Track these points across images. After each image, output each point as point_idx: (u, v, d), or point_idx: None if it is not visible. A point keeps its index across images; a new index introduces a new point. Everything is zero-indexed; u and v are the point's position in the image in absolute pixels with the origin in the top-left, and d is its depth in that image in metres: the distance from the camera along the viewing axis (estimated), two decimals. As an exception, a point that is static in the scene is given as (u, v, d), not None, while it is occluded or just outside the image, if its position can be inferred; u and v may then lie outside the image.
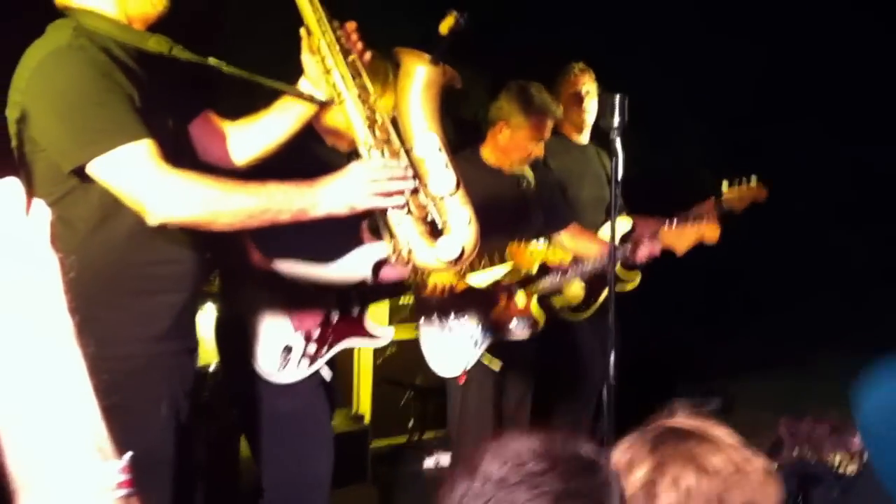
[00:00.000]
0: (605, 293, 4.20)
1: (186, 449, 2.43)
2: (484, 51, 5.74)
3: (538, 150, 3.96)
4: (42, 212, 0.91)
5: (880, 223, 7.77)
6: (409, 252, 2.28)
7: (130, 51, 2.26)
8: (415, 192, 2.29)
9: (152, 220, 2.13)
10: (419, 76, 2.37)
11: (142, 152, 2.12)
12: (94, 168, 2.13)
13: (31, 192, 2.00)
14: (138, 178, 2.13)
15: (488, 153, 4.01)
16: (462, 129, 5.51)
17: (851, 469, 4.00)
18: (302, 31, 2.39)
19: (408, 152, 2.31)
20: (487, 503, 1.19)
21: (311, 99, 2.47)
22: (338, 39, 2.36)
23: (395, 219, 2.29)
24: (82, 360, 0.90)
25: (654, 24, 6.66)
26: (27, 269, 0.88)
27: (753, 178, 4.27)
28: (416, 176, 2.29)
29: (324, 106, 2.49)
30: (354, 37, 2.42)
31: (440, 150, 2.32)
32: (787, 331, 7.21)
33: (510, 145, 3.92)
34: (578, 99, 4.52)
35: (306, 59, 2.43)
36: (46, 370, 0.87)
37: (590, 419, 4.47)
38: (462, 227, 2.30)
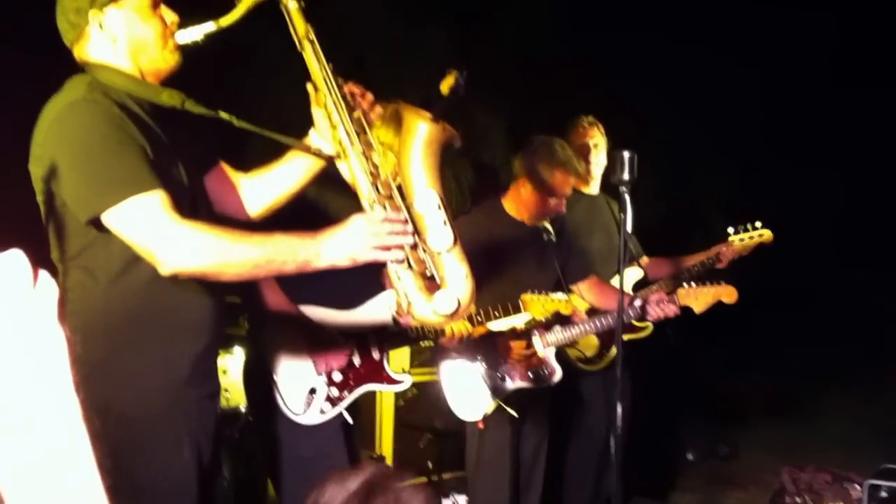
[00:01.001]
0: None
1: (209, 491, 2.47)
2: (500, 99, 5.92)
3: (560, 206, 4.02)
4: (48, 285, 0.87)
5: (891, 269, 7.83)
6: (409, 305, 2.34)
7: (144, 104, 2.32)
8: (414, 246, 2.33)
9: (164, 270, 2.17)
10: (420, 133, 2.42)
11: (154, 203, 2.16)
12: (108, 218, 2.17)
13: (62, 245, 2.18)
14: (150, 228, 2.16)
15: (510, 206, 4.08)
16: (481, 173, 5.69)
17: (851, 518, 4.13)
18: (309, 86, 2.46)
19: (408, 208, 2.36)
20: None
21: (317, 153, 2.53)
22: (343, 96, 2.42)
23: (396, 272, 2.34)
24: (87, 439, 0.87)
25: (663, 68, 6.80)
26: (33, 346, 0.84)
27: (759, 224, 4.32)
28: (416, 231, 2.34)
29: (329, 160, 2.51)
30: (359, 94, 2.47)
31: (439, 206, 2.37)
32: (792, 376, 7.28)
33: (533, 200, 3.99)
34: (586, 151, 4.57)
35: (315, 112, 2.50)
36: (51, 449, 0.84)
37: (600, 469, 4.51)
38: (458, 281, 2.35)
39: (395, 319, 3.18)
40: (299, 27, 2.43)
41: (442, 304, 2.32)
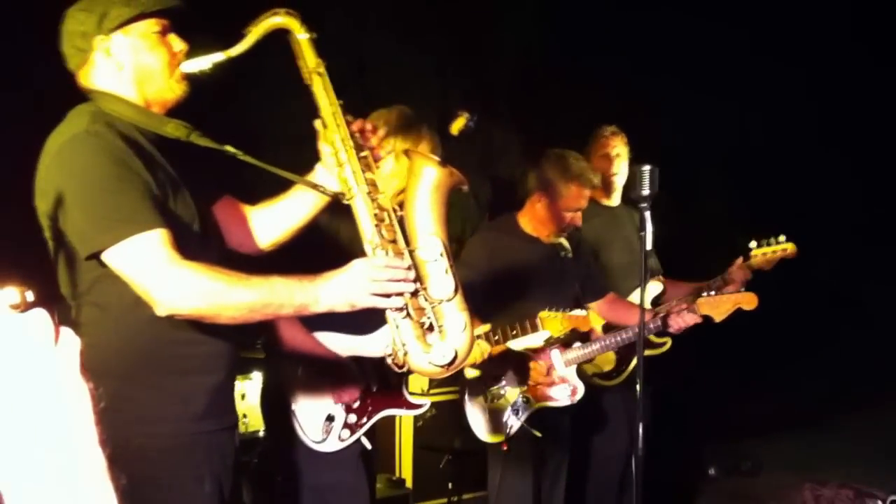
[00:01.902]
0: (634, 360, 4.23)
1: None
2: (518, 112, 5.91)
3: (577, 220, 4.00)
4: (71, 340, 0.88)
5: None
6: (405, 354, 2.28)
7: (149, 135, 2.30)
8: (414, 294, 2.28)
9: (160, 311, 2.13)
10: (427, 178, 2.38)
11: (154, 242, 2.13)
12: (107, 257, 2.14)
13: (73, 280, 2.17)
14: (148, 268, 2.13)
15: (525, 222, 4.07)
16: (497, 188, 5.67)
17: (873, 533, 4.09)
18: (317, 123, 2.43)
19: (411, 253, 2.31)
20: None
21: (323, 191, 2.48)
22: (351, 135, 2.39)
23: (394, 320, 2.28)
24: (114, 496, 0.87)
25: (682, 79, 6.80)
26: (57, 404, 0.85)
27: (782, 237, 4.25)
28: (417, 278, 2.28)
29: (335, 198, 2.47)
30: (370, 129, 2.44)
31: (442, 254, 2.32)
32: (815, 391, 7.22)
33: (548, 215, 3.98)
34: (609, 161, 4.53)
35: (322, 148, 2.46)
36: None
37: (621, 487, 4.49)
38: (457, 332, 2.29)
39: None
40: (309, 60, 2.41)
41: (439, 355, 2.27)
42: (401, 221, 2.35)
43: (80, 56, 2.32)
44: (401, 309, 2.26)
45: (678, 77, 6.52)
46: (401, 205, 2.40)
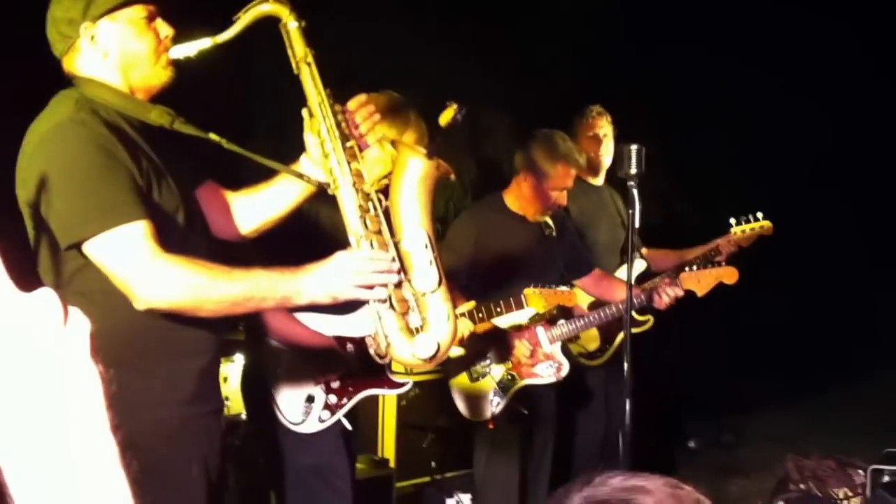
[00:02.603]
0: (619, 338, 4.31)
1: None
2: (505, 92, 5.89)
3: (562, 199, 4.04)
4: (80, 322, 0.85)
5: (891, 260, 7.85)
6: (388, 346, 2.28)
7: (133, 121, 2.27)
8: (398, 285, 2.28)
9: (139, 305, 2.12)
10: (414, 169, 2.37)
11: (135, 234, 2.11)
12: (88, 248, 2.13)
13: (56, 270, 2.13)
14: (128, 261, 2.11)
15: (512, 200, 4.10)
16: (483, 168, 5.66)
17: (855, 503, 4.13)
18: (304, 112, 2.41)
19: (396, 245, 2.31)
20: None
21: (308, 180, 2.46)
22: (338, 124, 2.37)
23: (377, 312, 2.28)
24: (126, 483, 0.84)
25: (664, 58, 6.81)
26: (68, 387, 0.81)
27: (760, 214, 4.36)
28: (402, 270, 2.28)
29: (320, 188, 2.45)
30: (363, 102, 2.43)
31: (427, 246, 2.32)
32: (795, 366, 7.28)
33: (534, 194, 4.01)
34: (596, 141, 4.60)
35: (308, 137, 2.44)
36: (91, 493, 0.80)
37: (605, 462, 4.56)
38: (440, 324, 2.29)
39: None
40: (298, 49, 2.38)
41: (422, 347, 2.26)
42: (386, 212, 2.34)
43: (66, 42, 2.29)
44: (384, 300, 2.25)
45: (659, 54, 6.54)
46: (385, 193, 2.38)
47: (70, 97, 2.23)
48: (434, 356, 2.28)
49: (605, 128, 4.63)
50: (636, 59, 6.50)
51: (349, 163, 2.34)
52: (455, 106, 2.40)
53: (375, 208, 2.32)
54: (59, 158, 2.15)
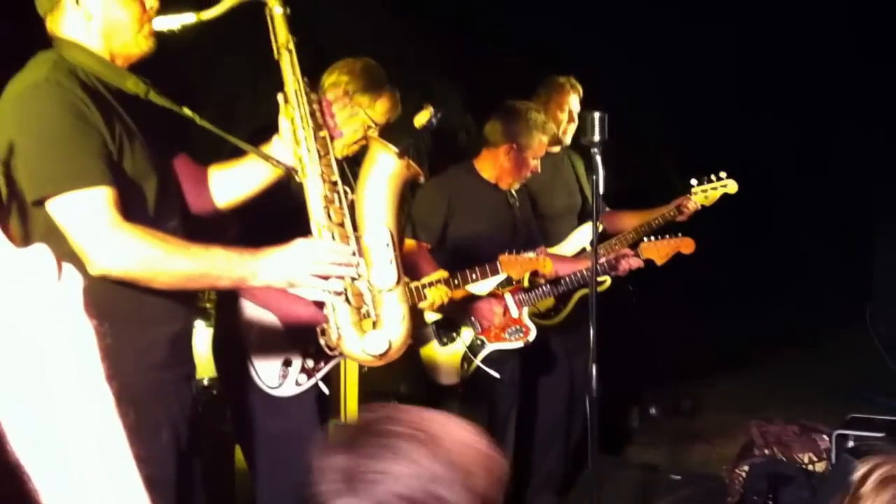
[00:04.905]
0: (574, 299, 4.38)
1: (187, 473, 2.44)
2: (465, 62, 5.87)
3: (536, 168, 4.13)
4: (74, 277, 0.86)
5: (846, 227, 7.98)
6: (339, 338, 2.30)
7: (111, 85, 2.28)
8: (355, 279, 2.30)
9: (92, 270, 2.11)
10: (383, 166, 2.38)
11: (97, 200, 2.11)
12: (50, 207, 2.13)
13: (26, 229, 2.06)
14: (86, 226, 2.11)
15: (486, 168, 4.16)
16: (437, 139, 5.63)
17: (820, 468, 4.20)
18: (279, 97, 2.43)
19: (357, 239, 2.33)
20: None
21: (276, 164, 2.46)
22: (312, 114, 2.40)
23: (332, 303, 2.30)
24: (123, 431, 0.87)
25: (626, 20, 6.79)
26: (64, 340, 0.83)
27: (723, 174, 4.41)
28: (360, 265, 2.31)
29: (288, 173, 2.46)
30: (337, 107, 2.48)
31: (388, 245, 2.33)
32: (752, 332, 7.38)
33: (515, 164, 4.08)
34: (564, 112, 4.60)
35: (282, 122, 2.45)
36: (88, 444, 0.83)
37: (568, 426, 4.59)
38: (394, 323, 2.32)
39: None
40: (281, 35, 2.40)
41: (373, 344, 2.29)
42: (351, 206, 2.36)
43: (51, 1, 2.28)
44: (340, 293, 2.27)
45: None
46: (351, 187, 2.39)
47: (48, 58, 2.23)
48: (384, 354, 2.31)
49: (573, 98, 4.65)
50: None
51: (319, 153, 2.37)
52: (431, 109, 2.48)
53: (341, 200, 2.35)
54: (33, 117, 2.15)
